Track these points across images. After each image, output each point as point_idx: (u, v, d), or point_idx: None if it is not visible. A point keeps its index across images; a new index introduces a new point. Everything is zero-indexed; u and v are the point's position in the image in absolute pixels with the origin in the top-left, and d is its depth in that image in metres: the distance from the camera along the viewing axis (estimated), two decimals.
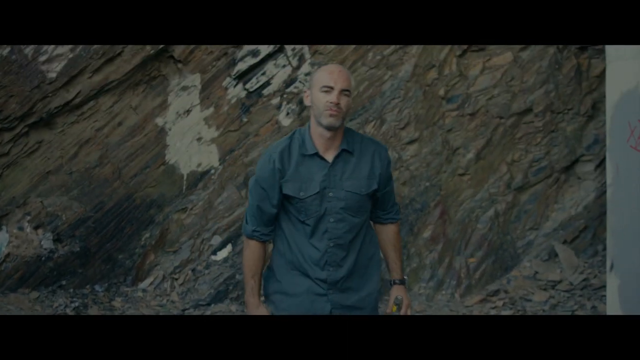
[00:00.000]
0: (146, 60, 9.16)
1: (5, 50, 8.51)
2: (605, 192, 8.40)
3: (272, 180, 4.20)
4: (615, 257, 7.37)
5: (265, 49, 9.43)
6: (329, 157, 4.19)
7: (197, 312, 8.65)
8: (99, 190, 9.12)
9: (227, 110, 9.52)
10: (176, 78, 9.45)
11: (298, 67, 9.53)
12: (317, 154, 4.18)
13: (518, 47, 9.64)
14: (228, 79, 9.50)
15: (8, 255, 8.55)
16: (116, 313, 8.49)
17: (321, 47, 9.50)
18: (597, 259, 9.37)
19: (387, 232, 4.52)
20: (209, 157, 9.54)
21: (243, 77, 9.52)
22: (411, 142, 9.52)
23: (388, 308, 4.42)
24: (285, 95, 9.53)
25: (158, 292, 9.01)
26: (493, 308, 8.89)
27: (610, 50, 7.55)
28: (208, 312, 8.63)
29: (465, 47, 9.66)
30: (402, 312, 4.40)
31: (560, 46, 9.63)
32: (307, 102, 4.22)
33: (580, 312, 8.61)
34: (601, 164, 9.45)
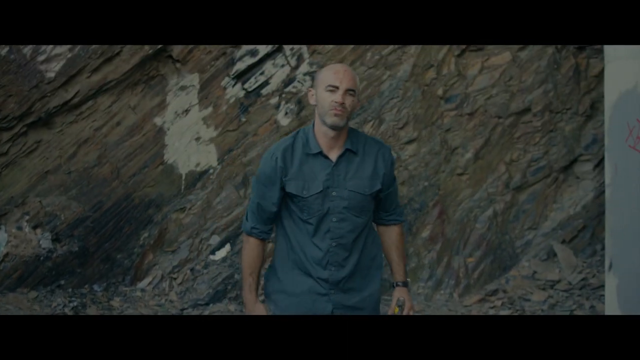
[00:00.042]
0: (145, 60, 9.16)
1: (4, 50, 8.51)
2: (603, 191, 8.40)
3: (273, 177, 4.20)
4: (614, 256, 7.38)
5: (263, 49, 9.43)
6: (333, 156, 4.19)
7: (195, 312, 8.65)
8: (98, 190, 9.12)
9: (226, 110, 9.52)
10: (175, 78, 9.45)
11: (297, 67, 9.53)
12: (320, 153, 4.17)
13: (516, 46, 9.64)
14: (227, 79, 9.50)
15: (7, 255, 8.55)
16: (115, 313, 8.49)
17: (320, 47, 9.50)
18: (596, 259, 9.38)
19: (390, 234, 4.51)
20: (208, 157, 9.54)
21: (242, 76, 9.52)
22: (410, 141, 9.52)
23: (390, 310, 4.41)
24: (283, 95, 9.53)
25: (157, 291, 9.01)
26: (492, 308, 8.89)
27: (609, 50, 7.56)
28: (207, 312, 8.63)
29: (463, 47, 9.66)
30: (404, 314, 4.39)
31: (559, 46, 9.63)
32: (311, 101, 4.21)
33: (578, 312, 8.61)
34: (600, 163, 9.45)
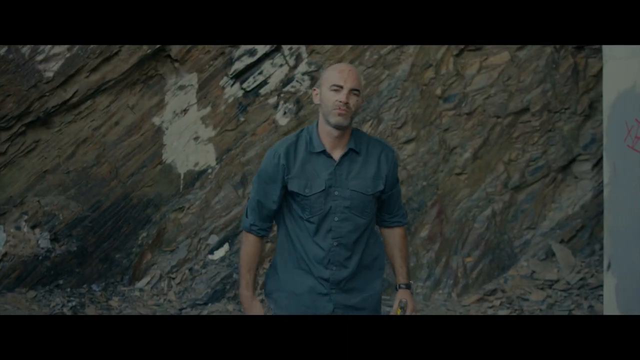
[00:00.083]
0: (143, 60, 9.16)
1: (3, 49, 8.51)
2: (602, 191, 8.41)
3: (275, 175, 4.20)
4: (613, 256, 7.38)
5: (262, 49, 9.43)
6: (336, 155, 4.19)
7: (194, 312, 8.65)
8: (96, 189, 9.12)
9: (224, 109, 9.52)
10: (173, 77, 9.45)
11: (295, 67, 9.53)
12: (324, 152, 4.17)
13: (515, 46, 9.64)
14: (225, 79, 9.50)
15: (5, 254, 8.54)
16: (113, 312, 8.49)
17: (318, 47, 9.50)
18: (594, 259, 9.38)
19: (394, 236, 4.51)
20: (206, 157, 9.54)
21: (240, 76, 9.52)
22: (408, 141, 9.52)
23: (392, 311, 4.40)
24: (282, 95, 9.53)
25: (155, 291, 9.01)
26: (490, 307, 8.89)
27: (607, 49, 7.56)
28: (205, 312, 8.63)
29: (462, 46, 9.66)
30: (406, 316, 4.38)
31: (557, 46, 9.63)
32: (316, 100, 4.22)
33: (577, 312, 8.61)
34: (598, 163, 9.46)
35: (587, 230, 9.58)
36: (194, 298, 8.86)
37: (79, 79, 8.88)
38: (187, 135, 9.47)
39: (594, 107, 9.60)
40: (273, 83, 9.53)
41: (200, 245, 9.33)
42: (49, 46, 8.66)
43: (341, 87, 4.05)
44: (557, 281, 9.16)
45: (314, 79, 9.49)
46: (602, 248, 8.62)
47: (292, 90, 9.52)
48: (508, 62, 9.65)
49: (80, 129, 9.09)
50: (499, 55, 9.66)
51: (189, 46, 9.32)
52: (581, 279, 9.10)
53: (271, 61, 9.53)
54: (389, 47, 9.56)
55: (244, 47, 9.42)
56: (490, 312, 8.81)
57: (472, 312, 8.80)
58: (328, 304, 4.23)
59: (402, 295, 4.43)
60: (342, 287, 4.25)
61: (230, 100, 9.52)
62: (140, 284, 9.08)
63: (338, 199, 4.17)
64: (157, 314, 8.52)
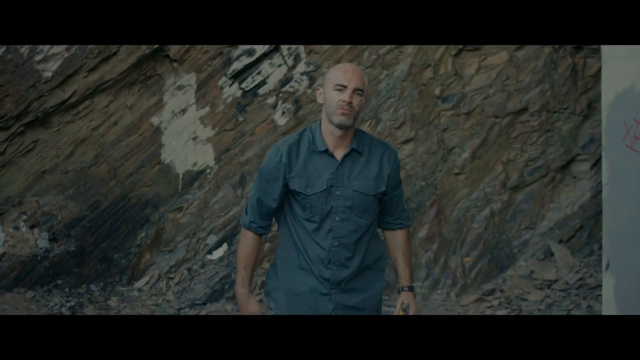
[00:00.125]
0: (142, 60, 9.16)
1: (1, 49, 8.51)
2: (601, 191, 8.41)
3: (276, 173, 4.20)
4: (611, 256, 7.39)
5: (260, 49, 9.43)
6: (338, 155, 4.19)
7: (192, 312, 8.65)
8: (95, 189, 9.12)
9: (223, 109, 9.52)
10: (172, 77, 9.45)
11: (294, 67, 9.53)
12: (326, 151, 4.17)
13: (513, 46, 9.64)
14: (224, 79, 9.50)
15: (4, 254, 8.54)
16: (112, 312, 8.49)
17: (317, 47, 9.50)
18: (593, 258, 9.38)
19: (396, 238, 4.49)
20: (205, 157, 9.54)
21: (239, 76, 9.52)
22: (407, 141, 9.52)
23: (395, 313, 4.40)
24: (280, 95, 9.53)
25: (154, 291, 9.01)
26: (489, 307, 8.90)
27: (606, 49, 7.56)
28: (204, 312, 8.63)
29: (460, 46, 9.66)
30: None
31: (556, 46, 9.63)
32: (319, 99, 4.22)
33: (575, 312, 8.62)
34: (597, 163, 9.46)
35: (585, 230, 9.58)
36: (192, 298, 8.86)
37: (78, 79, 8.88)
38: (185, 135, 9.47)
39: (593, 107, 9.60)
40: (272, 83, 9.53)
41: (198, 245, 9.33)
42: (48, 46, 8.66)
43: (345, 86, 4.05)
44: (555, 281, 9.16)
45: (312, 79, 9.49)
46: (600, 248, 8.62)
47: (291, 90, 9.52)
48: (506, 62, 9.66)
49: (78, 129, 9.09)
50: (498, 55, 9.67)
51: (187, 46, 9.32)
52: (580, 279, 9.10)
53: (270, 61, 9.53)
54: (388, 47, 9.56)
55: (242, 47, 9.42)
56: (488, 312, 8.81)
57: (471, 312, 8.80)
58: (328, 304, 4.23)
59: (404, 297, 4.40)
60: (342, 287, 4.24)
61: (229, 100, 9.51)
62: (138, 284, 9.08)
63: (339, 199, 4.17)
64: (156, 314, 8.52)
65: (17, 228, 8.74)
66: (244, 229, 4.38)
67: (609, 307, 7.38)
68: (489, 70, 9.66)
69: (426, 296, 9.16)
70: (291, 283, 4.29)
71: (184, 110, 9.47)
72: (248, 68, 9.49)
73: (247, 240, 4.36)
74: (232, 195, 9.43)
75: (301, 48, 9.52)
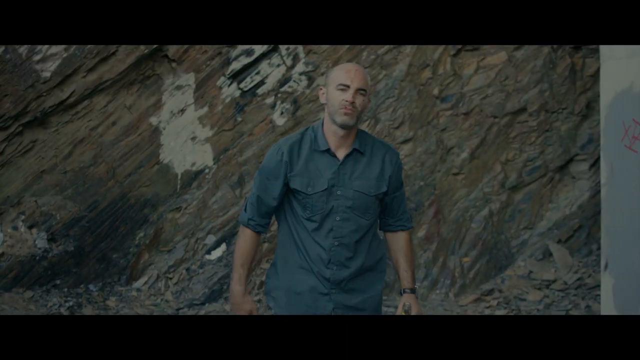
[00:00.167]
0: (140, 60, 9.16)
1: (0, 49, 8.50)
2: (599, 191, 8.40)
3: (277, 171, 4.19)
4: (610, 256, 7.38)
5: (259, 49, 9.44)
6: (340, 155, 4.17)
7: (191, 312, 8.65)
8: (93, 189, 9.12)
9: (222, 109, 9.52)
10: (170, 77, 9.45)
11: (292, 67, 9.53)
12: (328, 151, 4.16)
13: (512, 46, 9.64)
14: (222, 79, 9.50)
15: (2, 254, 8.54)
16: (110, 312, 8.49)
17: (315, 47, 9.50)
18: (592, 259, 9.38)
19: (398, 240, 4.46)
20: (203, 157, 9.54)
21: (237, 76, 9.53)
22: (405, 141, 9.52)
23: (397, 314, 4.39)
24: (279, 95, 9.53)
25: (152, 291, 9.01)
26: (487, 307, 8.89)
27: (605, 49, 7.55)
28: (202, 312, 8.63)
29: (459, 46, 9.67)
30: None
31: (555, 46, 9.63)
32: (322, 99, 4.20)
33: (574, 312, 8.62)
34: (595, 163, 9.46)
35: (584, 230, 9.58)
36: (191, 298, 8.86)
37: (76, 79, 8.88)
38: (184, 135, 9.47)
39: (591, 107, 9.61)
40: (270, 83, 9.53)
41: (197, 245, 9.33)
42: (46, 46, 8.66)
43: (348, 86, 4.04)
44: (554, 281, 9.16)
45: (311, 79, 9.49)
46: (599, 248, 8.61)
47: (290, 90, 9.52)
48: (505, 62, 9.66)
49: (77, 129, 9.09)
50: (497, 55, 9.67)
51: (186, 46, 9.32)
52: (578, 279, 9.10)
53: (268, 61, 9.53)
54: (386, 47, 9.57)
55: (241, 47, 9.42)
56: (487, 312, 8.80)
57: (470, 312, 8.80)
58: (328, 304, 4.21)
59: (406, 299, 4.38)
60: (342, 287, 4.22)
61: (228, 100, 9.52)
62: (137, 284, 9.08)
63: (340, 199, 4.16)
64: (154, 314, 8.51)
65: (15, 228, 8.74)
66: (242, 227, 4.36)
67: (607, 307, 7.38)
68: (487, 70, 9.66)
69: (425, 296, 9.15)
70: (291, 282, 4.27)
71: (182, 110, 9.47)
72: (247, 68, 9.50)
73: (245, 237, 4.35)
74: (230, 195, 9.43)
75: (300, 48, 9.53)
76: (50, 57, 8.70)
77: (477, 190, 9.63)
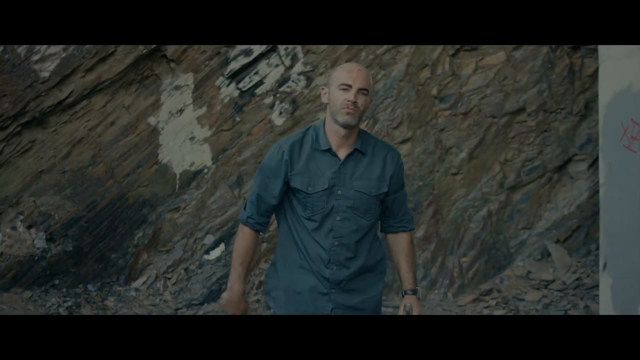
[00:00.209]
0: (139, 60, 9.16)
1: None
2: (598, 191, 8.41)
3: (277, 170, 4.18)
4: (608, 256, 7.38)
5: (258, 49, 9.44)
6: (341, 155, 4.16)
7: (190, 312, 8.64)
8: (92, 189, 9.12)
9: (220, 109, 9.52)
10: (169, 77, 9.45)
11: (291, 67, 9.53)
12: (329, 151, 4.15)
13: (511, 46, 9.64)
14: (221, 79, 9.50)
15: (1, 254, 8.54)
16: (109, 312, 8.48)
17: (314, 47, 9.50)
18: (590, 259, 9.38)
19: (400, 242, 4.45)
20: (202, 157, 9.54)
21: (236, 76, 9.53)
22: (404, 141, 9.52)
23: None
24: (278, 95, 9.53)
25: (151, 291, 9.01)
26: (486, 307, 8.89)
27: (603, 49, 7.56)
28: (201, 312, 8.62)
29: (458, 46, 9.67)
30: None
31: (553, 46, 9.64)
32: (324, 99, 4.20)
33: (573, 312, 8.62)
34: (594, 163, 9.46)
35: (582, 230, 9.59)
36: (189, 298, 8.86)
37: (75, 79, 8.88)
38: (182, 135, 9.46)
39: (590, 107, 9.61)
40: (269, 83, 9.53)
41: (196, 245, 9.33)
42: (45, 46, 8.66)
43: (350, 86, 4.04)
44: (552, 281, 9.16)
45: (309, 79, 9.49)
46: (597, 248, 8.62)
47: (288, 90, 9.52)
48: (504, 62, 9.66)
49: (75, 129, 9.09)
50: (495, 55, 9.67)
51: (184, 46, 9.32)
52: (577, 279, 9.10)
53: (267, 61, 9.53)
54: (385, 47, 9.57)
55: (239, 47, 9.42)
56: (486, 312, 8.80)
57: (468, 312, 8.80)
58: (327, 304, 4.20)
59: (407, 300, 4.37)
60: (342, 287, 4.21)
61: (226, 100, 9.52)
62: (136, 284, 9.08)
63: (341, 199, 4.15)
64: (153, 314, 8.51)
65: (14, 228, 8.73)
66: (241, 225, 4.35)
67: (606, 307, 7.38)
68: (486, 70, 9.66)
69: (423, 296, 9.15)
70: (291, 281, 4.27)
71: (181, 110, 9.47)
72: (245, 68, 9.50)
73: (244, 236, 4.34)
74: (229, 195, 9.43)
75: (298, 48, 9.53)
76: (48, 57, 8.70)
77: (476, 190, 9.63)
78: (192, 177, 9.52)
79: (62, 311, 8.31)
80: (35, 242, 8.74)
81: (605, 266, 7.39)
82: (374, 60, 9.57)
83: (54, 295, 8.57)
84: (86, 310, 8.41)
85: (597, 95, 8.36)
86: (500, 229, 9.63)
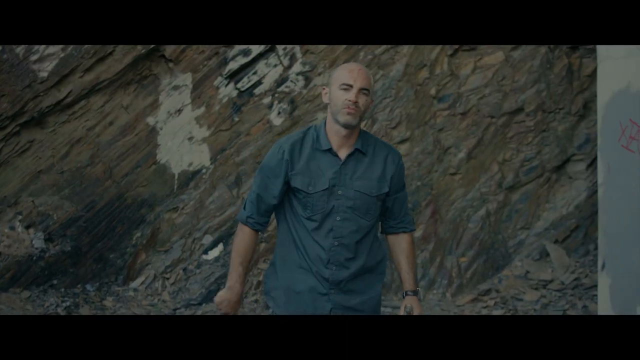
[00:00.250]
0: (137, 60, 9.15)
1: None
2: (596, 191, 8.42)
3: (277, 170, 4.17)
4: (607, 256, 7.39)
5: (256, 49, 9.43)
6: (342, 155, 4.16)
7: (188, 312, 8.64)
8: (90, 189, 9.11)
9: (219, 109, 9.52)
10: (167, 77, 9.45)
11: (289, 67, 9.53)
12: (330, 150, 4.15)
13: (509, 46, 9.65)
14: (219, 79, 9.49)
15: None
16: (107, 312, 8.48)
17: (312, 47, 9.50)
18: (589, 259, 9.38)
19: (400, 243, 4.44)
20: (200, 157, 9.54)
21: (234, 76, 9.52)
22: (402, 141, 9.52)
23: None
24: (276, 95, 9.53)
25: (149, 291, 9.00)
26: (484, 307, 8.90)
27: (602, 49, 7.57)
28: (199, 312, 8.62)
29: (456, 46, 9.67)
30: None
31: (552, 46, 9.64)
32: (325, 99, 4.19)
33: (571, 312, 8.62)
34: (592, 163, 9.46)
35: (581, 231, 9.59)
36: (188, 298, 8.86)
37: (73, 79, 8.88)
38: (181, 136, 9.46)
39: (588, 107, 9.61)
40: (267, 83, 9.53)
41: (194, 245, 9.32)
42: (43, 46, 8.66)
43: (351, 86, 4.03)
44: (551, 281, 9.16)
45: (308, 79, 9.49)
46: (596, 248, 8.63)
47: (287, 90, 9.52)
48: (502, 62, 9.66)
49: (74, 129, 9.09)
50: (494, 55, 9.67)
51: (183, 46, 9.32)
52: (575, 279, 9.11)
53: (265, 61, 9.53)
54: (383, 47, 9.57)
55: (238, 47, 9.42)
56: (484, 312, 8.81)
57: (467, 312, 8.80)
58: (326, 304, 4.20)
59: (408, 301, 4.37)
60: (341, 287, 4.20)
61: (225, 100, 9.51)
62: (134, 284, 9.08)
63: (341, 199, 4.14)
64: (151, 314, 8.51)
65: (12, 228, 8.73)
66: (240, 224, 4.34)
67: (604, 307, 7.39)
68: (484, 70, 9.66)
69: (422, 296, 9.15)
70: (290, 281, 4.26)
71: (179, 111, 9.46)
72: (244, 68, 9.50)
73: (243, 235, 4.33)
74: (227, 195, 9.42)
75: (297, 48, 9.52)
76: (47, 57, 8.70)
77: (474, 190, 9.63)
78: (190, 177, 9.51)
79: (61, 311, 8.31)
80: (33, 242, 8.73)
81: (603, 266, 7.40)
82: (373, 60, 9.57)
83: (52, 295, 8.56)
84: (84, 310, 8.41)
85: (595, 96, 8.37)
86: (498, 229, 9.63)
